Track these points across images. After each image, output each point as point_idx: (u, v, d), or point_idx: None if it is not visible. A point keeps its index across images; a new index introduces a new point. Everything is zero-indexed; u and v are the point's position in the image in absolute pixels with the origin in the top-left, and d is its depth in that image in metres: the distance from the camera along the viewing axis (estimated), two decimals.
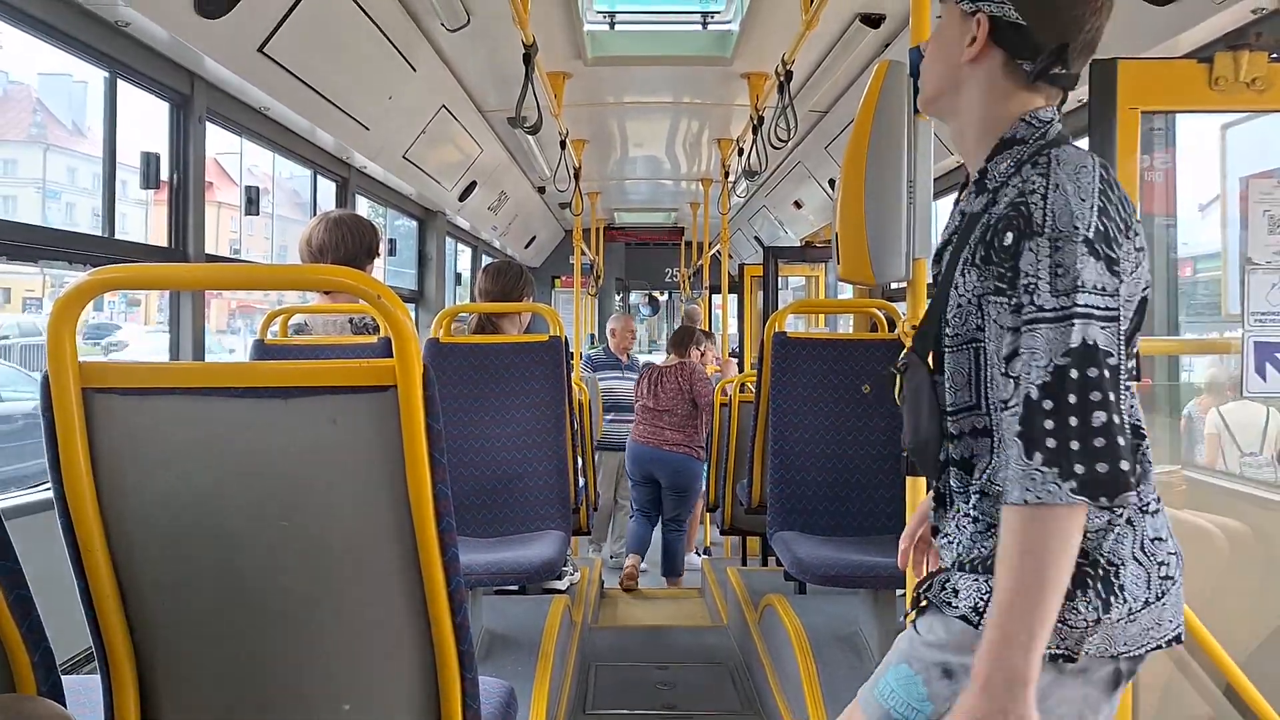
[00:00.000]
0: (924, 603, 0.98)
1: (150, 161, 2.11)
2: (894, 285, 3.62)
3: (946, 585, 0.95)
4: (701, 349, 4.66)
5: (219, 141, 2.43)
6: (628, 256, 8.38)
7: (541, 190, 5.71)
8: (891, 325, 2.70)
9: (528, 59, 2.49)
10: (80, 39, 1.79)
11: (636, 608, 3.75)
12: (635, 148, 5.10)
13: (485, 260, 5.56)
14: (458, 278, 5.62)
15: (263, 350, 2.11)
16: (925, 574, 1.09)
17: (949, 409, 0.99)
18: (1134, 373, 0.94)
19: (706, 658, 2.87)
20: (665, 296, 8.88)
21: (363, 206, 3.60)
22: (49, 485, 0.91)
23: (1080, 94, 2.29)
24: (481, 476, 2.41)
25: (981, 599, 0.91)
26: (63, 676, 0.92)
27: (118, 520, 0.92)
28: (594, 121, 4.35)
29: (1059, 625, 0.87)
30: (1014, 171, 0.93)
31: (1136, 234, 0.90)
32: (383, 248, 2.33)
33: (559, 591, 2.97)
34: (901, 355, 1.06)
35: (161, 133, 2.20)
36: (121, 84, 1.99)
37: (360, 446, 0.91)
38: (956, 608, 0.93)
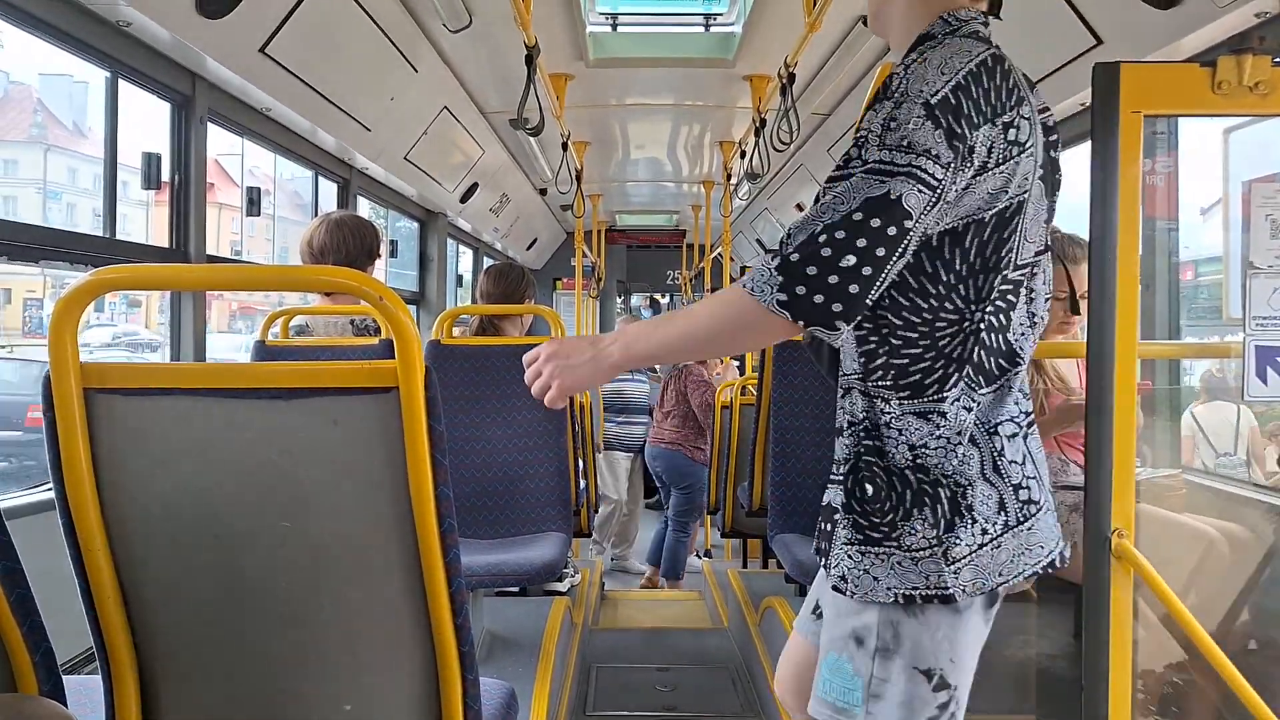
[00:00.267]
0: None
1: (151, 162, 2.11)
2: None
3: (830, 557, 0.99)
4: None
5: (220, 142, 2.43)
6: (629, 259, 8.38)
7: (543, 192, 5.71)
8: None
9: (530, 60, 2.50)
10: (81, 39, 1.79)
11: (637, 610, 3.74)
12: (637, 150, 5.10)
13: (487, 262, 5.56)
14: (459, 279, 5.61)
15: (264, 351, 2.11)
16: None
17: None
18: (1019, 283, 0.93)
19: (707, 660, 2.86)
20: (667, 299, 8.89)
21: (364, 208, 3.60)
22: (50, 485, 0.91)
23: (1083, 97, 2.30)
24: (483, 478, 2.41)
25: (849, 569, 0.95)
26: (64, 676, 0.92)
27: (119, 520, 0.92)
28: (596, 123, 4.35)
29: (910, 561, 0.91)
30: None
31: (1015, 129, 0.88)
32: (384, 249, 2.33)
33: (560, 593, 2.97)
34: None
35: (163, 133, 2.20)
36: (123, 84, 1.99)
37: (362, 448, 0.91)
38: (861, 592, 0.95)
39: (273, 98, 2.36)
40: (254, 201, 2.81)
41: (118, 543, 0.92)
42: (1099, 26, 2.02)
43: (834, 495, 1.01)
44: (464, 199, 4.48)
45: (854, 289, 0.83)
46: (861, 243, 0.83)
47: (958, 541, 0.91)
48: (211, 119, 2.26)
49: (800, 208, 5.29)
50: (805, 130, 3.69)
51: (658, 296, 8.86)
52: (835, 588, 0.96)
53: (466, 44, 2.99)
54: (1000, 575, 0.92)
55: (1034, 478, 0.96)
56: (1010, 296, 0.94)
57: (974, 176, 0.87)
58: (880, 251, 0.83)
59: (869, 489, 0.95)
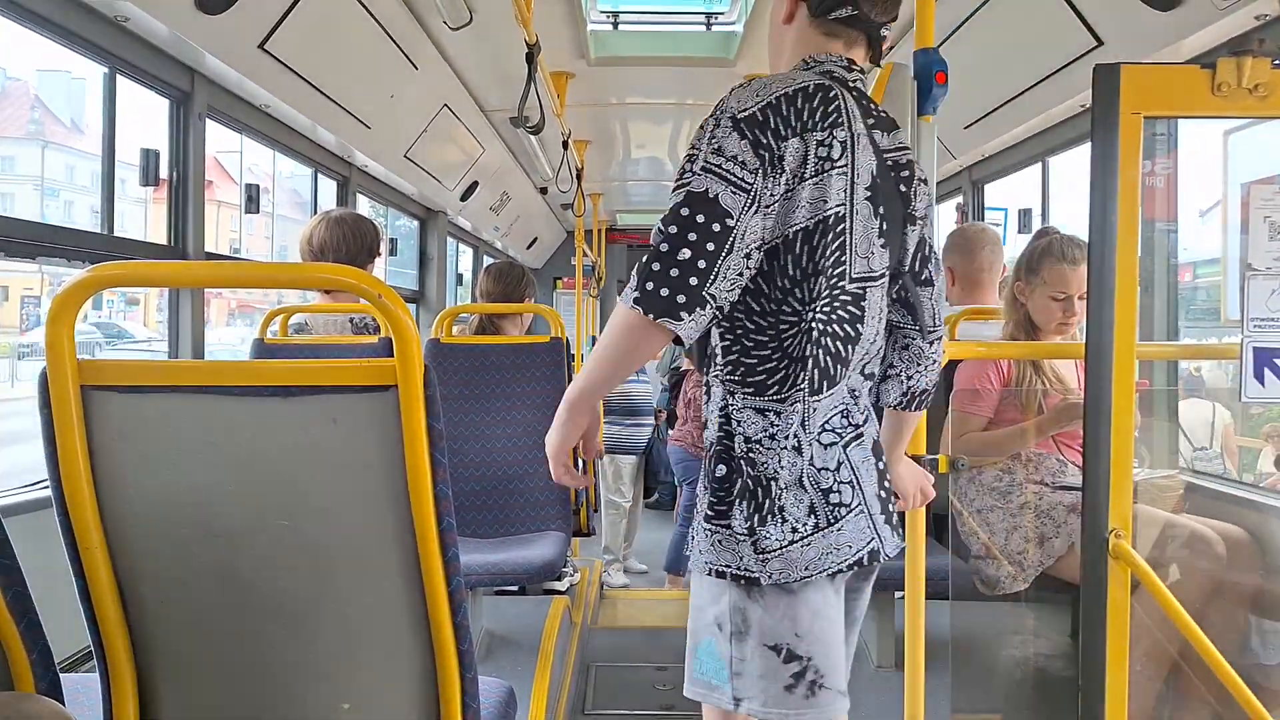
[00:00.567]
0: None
1: (150, 159, 2.10)
2: None
3: (693, 540, 1.09)
4: None
5: (219, 139, 2.42)
6: (630, 258, 8.37)
7: (544, 191, 5.71)
8: None
9: (530, 58, 2.49)
10: (79, 34, 1.79)
11: (636, 609, 3.74)
12: (638, 149, 5.10)
13: (486, 261, 5.55)
14: (459, 278, 5.61)
15: (263, 349, 2.11)
16: None
17: None
18: (857, 296, 1.04)
19: None
20: None
21: (363, 206, 3.60)
22: (47, 482, 0.91)
23: (1083, 98, 2.30)
24: (482, 477, 2.40)
25: (709, 547, 1.05)
26: (61, 675, 0.91)
27: (116, 518, 0.92)
28: (597, 122, 4.34)
29: (720, 544, 1.04)
30: None
31: (827, 146, 0.99)
32: (383, 247, 2.33)
33: (559, 592, 2.97)
34: None
35: (161, 130, 2.20)
36: (121, 80, 1.98)
37: (360, 446, 0.91)
38: (696, 560, 1.07)
39: (272, 94, 2.36)
40: (253, 199, 2.80)
41: (115, 540, 0.92)
42: (1099, 28, 2.02)
43: (702, 475, 1.11)
44: (464, 197, 4.47)
45: (692, 281, 0.94)
46: (692, 237, 0.94)
47: (768, 536, 1.02)
48: (210, 115, 2.26)
49: None
50: None
51: None
52: (698, 567, 1.08)
53: (467, 41, 2.99)
54: (806, 570, 1.03)
55: (848, 483, 1.06)
56: (851, 309, 1.05)
57: (790, 184, 0.98)
58: (710, 246, 0.94)
59: (721, 469, 1.06)
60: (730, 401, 1.06)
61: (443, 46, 3.06)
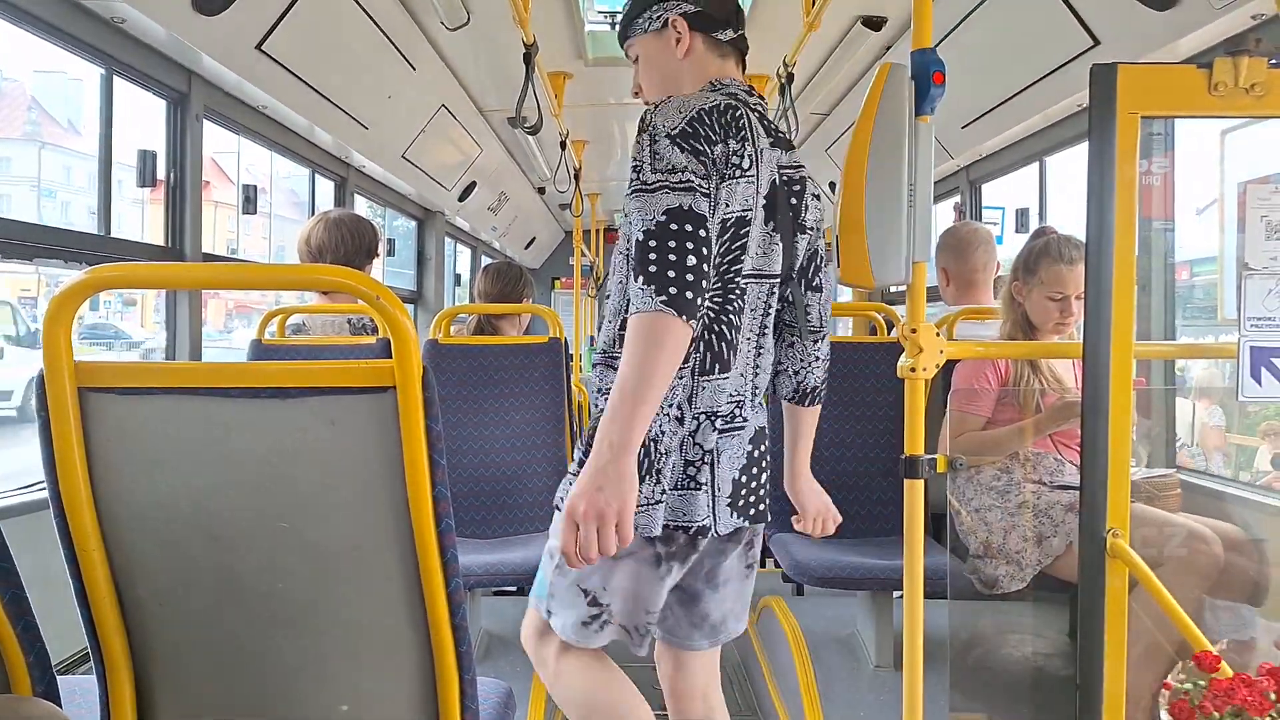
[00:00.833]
0: None
1: (147, 160, 2.10)
2: (893, 288, 3.63)
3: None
4: None
5: (216, 140, 2.42)
6: None
7: (541, 191, 5.71)
8: (890, 328, 2.70)
9: (528, 59, 2.49)
10: (76, 35, 1.78)
11: None
12: None
13: (485, 261, 5.55)
14: (457, 278, 5.60)
15: (260, 350, 2.10)
16: None
17: None
18: (743, 292, 1.16)
19: None
20: None
21: (361, 206, 3.59)
22: (44, 484, 0.90)
23: (1080, 98, 2.31)
24: (481, 478, 2.40)
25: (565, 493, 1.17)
26: (58, 677, 0.91)
27: (113, 520, 0.91)
28: (595, 122, 4.34)
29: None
30: None
31: (738, 155, 1.11)
32: (382, 248, 2.33)
33: None
34: None
35: (158, 131, 2.19)
36: (118, 81, 1.98)
37: (358, 447, 0.91)
38: (561, 499, 1.20)
39: (269, 95, 2.36)
40: (250, 199, 2.80)
41: (112, 543, 0.92)
42: (1096, 28, 2.02)
43: (585, 432, 1.22)
44: (462, 198, 4.47)
45: (702, 282, 1.05)
46: (690, 245, 1.05)
47: (644, 495, 1.13)
48: (207, 116, 2.26)
49: None
50: (803, 130, 3.70)
51: None
52: (556, 506, 1.21)
53: (464, 42, 2.99)
54: (652, 530, 1.14)
55: (707, 465, 1.18)
56: (738, 302, 1.17)
57: (720, 184, 1.11)
58: (704, 250, 1.06)
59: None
60: None
61: (440, 47, 3.06)
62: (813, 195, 1.26)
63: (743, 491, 1.22)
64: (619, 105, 4.13)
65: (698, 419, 1.16)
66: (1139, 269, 1.24)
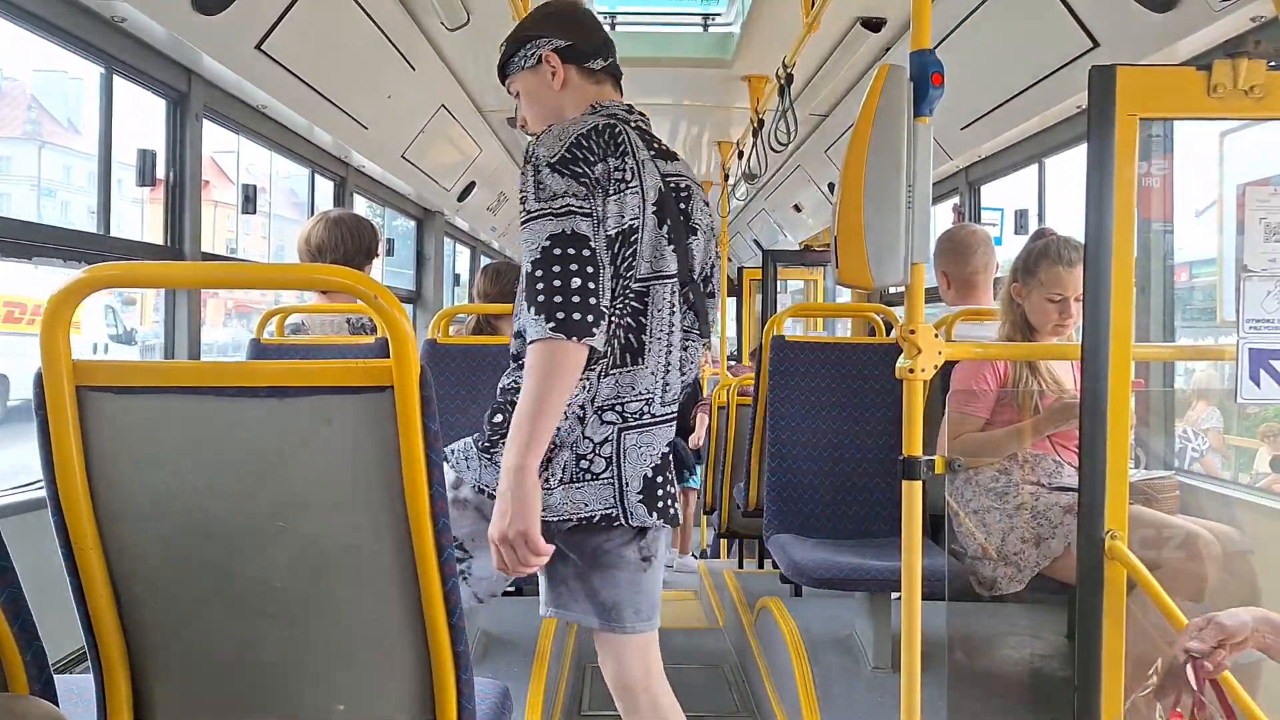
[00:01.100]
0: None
1: (146, 159, 2.10)
2: (892, 289, 3.63)
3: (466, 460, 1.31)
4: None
5: (216, 140, 2.42)
6: None
7: None
8: (889, 329, 2.70)
9: None
10: (76, 34, 1.78)
11: None
12: None
13: (484, 261, 5.55)
14: (456, 279, 5.60)
15: (259, 350, 2.10)
16: None
17: None
18: (641, 294, 1.24)
19: (702, 659, 2.86)
20: None
21: (360, 206, 3.59)
22: (41, 483, 0.90)
23: (1079, 99, 2.31)
24: None
25: (481, 467, 1.29)
26: (55, 675, 0.91)
27: (111, 519, 0.91)
28: None
29: (485, 467, 1.25)
30: None
31: (621, 170, 1.19)
32: (381, 248, 2.33)
33: None
34: None
35: (158, 130, 2.19)
36: (117, 80, 1.98)
37: (356, 447, 0.91)
38: (468, 473, 1.31)
39: (269, 95, 2.36)
40: (250, 199, 2.80)
41: (110, 541, 0.92)
42: (1095, 29, 2.02)
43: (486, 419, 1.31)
44: (461, 197, 4.47)
45: (592, 301, 1.13)
46: (574, 268, 1.13)
47: (544, 488, 1.20)
48: (207, 116, 2.26)
49: (798, 209, 5.30)
50: (803, 131, 3.70)
51: None
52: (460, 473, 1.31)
53: (464, 42, 2.99)
54: (550, 514, 1.21)
55: (606, 457, 1.24)
56: (635, 304, 1.24)
57: (605, 200, 1.19)
58: (590, 269, 1.14)
59: (499, 417, 1.27)
60: None
61: (440, 47, 3.06)
62: (702, 201, 1.34)
63: (658, 491, 1.27)
64: None
65: (598, 414, 1.24)
66: (1138, 271, 1.24)
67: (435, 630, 0.95)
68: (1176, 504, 1.78)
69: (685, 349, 1.35)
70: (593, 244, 1.15)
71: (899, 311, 1.95)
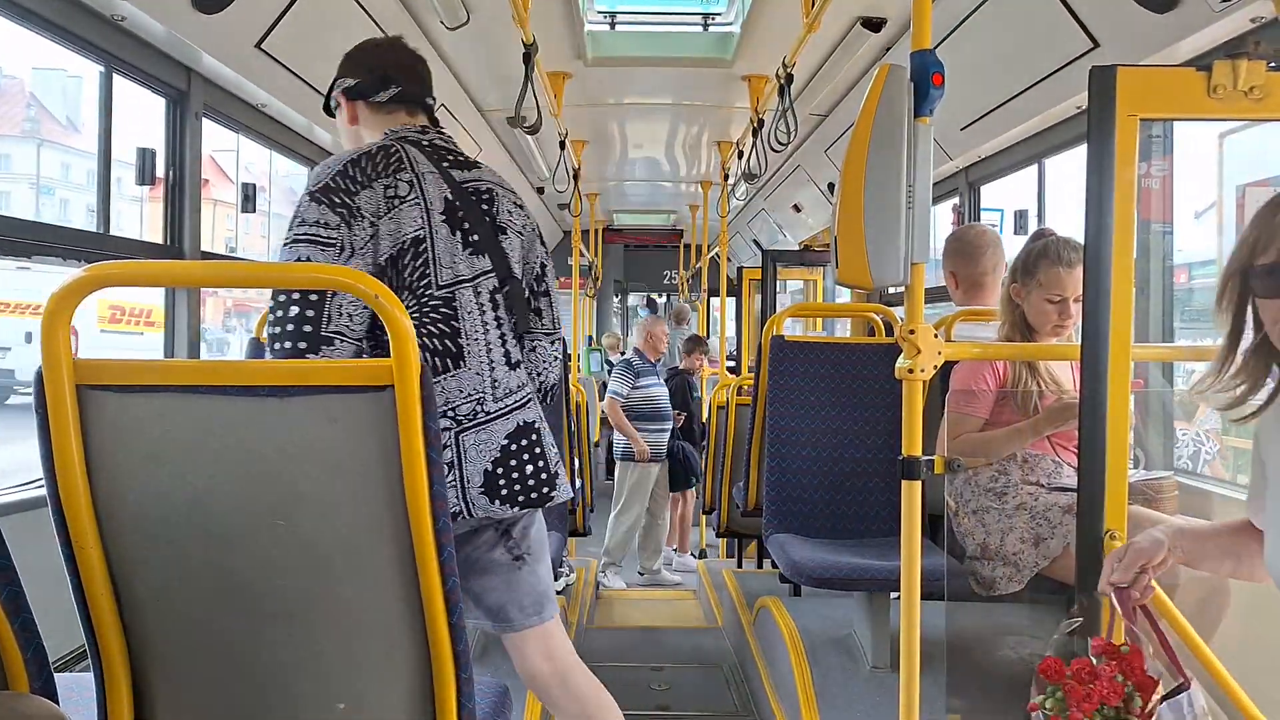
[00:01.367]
0: None
1: (146, 158, 2.10)
2: (891, 289, 3.64)
3: None
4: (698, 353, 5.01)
5: (216, 139, 2.42)
6: (626, 258, 8.37)
7: (540, 190, 5.71)
8: (889, 329, 2.70)
9: (527, 58, 2.49)
10: (75, 33, 1.78)
11: (631, 609, 3.74)
12: (635, 149, 5.10)
13: None
14: None
15: (259, 349, 2.10)
16: None
17: None
18: (448, 299, 1.28)
19: (701, 659, 2.86)
20: (664, 298, 8.89)
21: None
22: (42, 481, 0.90)
23: (1079, 100, 2.30)
24: None
25: None
26: (55, 674, 0.91)
27: (111, 518, 0.91)
28: (594, 122, 4.34)
29: None
30: None
31: (394, 189, 1.26)
32: None
33: (555, 592, 2.96)
34: None
35: (158, 129, 2.19)
36: (117, 79, 1.98)
37: (357, 446, 0.91)
38: None
39: (269, 93, 2.35)
40: (249, 198, 2.79)
41: (110, 540, 0.92)
42: (1095, 30, 2.02)
43: None
44: None
45: (307, 329, 1.18)
46: (296, 295, 1.19)
47: None
48: (207, 115, 2.25)
49: (797, 209, 5.29)
50: (803, 131, 3.70)
51: (654, 296, 8.86)
52: None
53: (464, 42, 2.99)
54: None
55: (449, 462, 1.27)
56: (444, 309, 1.29)
57: (373, 224, 1.24)
58: (313, 298, 1.18)
59: None
60: None
61: (440, 46, 3.06)
62: (513, 203, 1.40)
63: (500, 481, 1.30)
64: (618, 105, 4.13)
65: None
66: (1137, 271, 1.24)
67: (435, 629, 0.95)
68: (1175, 504, 1.78)
69: (534, 349, 1.42)
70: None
71: (899, 312, 1.95)
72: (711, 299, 7.28)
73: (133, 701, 0.97)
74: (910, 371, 1.29)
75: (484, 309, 1.32)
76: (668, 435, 4.44)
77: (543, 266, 1.45)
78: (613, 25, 3.28)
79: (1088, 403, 1.18)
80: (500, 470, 1.31)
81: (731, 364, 6.09)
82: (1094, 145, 1.16)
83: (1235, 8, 1.60)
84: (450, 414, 1.28)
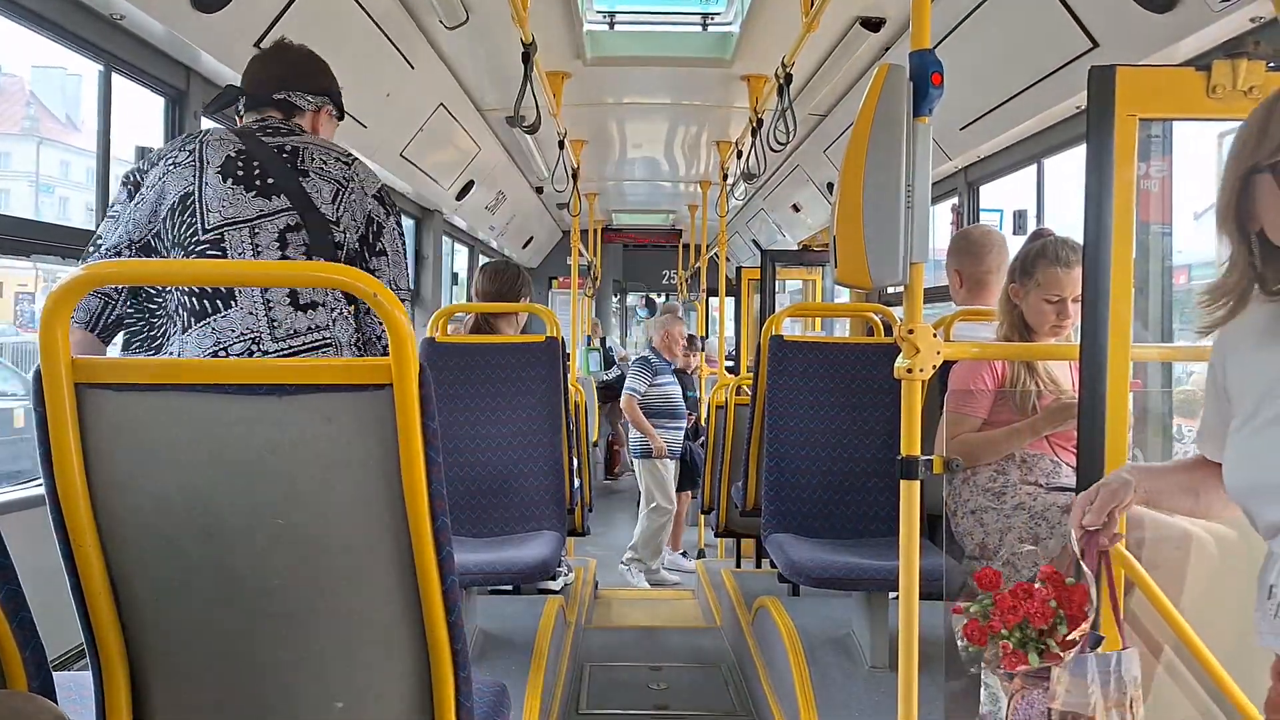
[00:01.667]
0: None
1: (145, 156, 2.09)
2: (890, 289, 3.64)
3: None
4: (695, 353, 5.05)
5: None
6: (625, 258, 8.37)
7: (539, 190, 5.71)
8: (888, 329, 2.71)
9: (527, 58, 2.49)
10: (75, 32, 1.78)
11: (630, 609, 3.74)
12: (634, 149, 5.10)
13: (482, 260, 5.54)
14: (454, 277, 5.60)
15: None
16: None
17: None
18: (216, 240, 1.34)
19: (700, 659, 2.87)
20: (663, 298, 8.89)
21: None
22: (40, 480, 0.90)
23: (1078, 100, 2.31)
24: (477, 476, 2.40)
25: None
26: (54, 673, 0.91)
27: (110, 516, 0.91)
28: (593, 122, 4.34)
29: None
30: None
31: (173, 157, 1.39)
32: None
33: (553, 592, 2.96)
34: None
35: (157, 128, 2.19)
36: (116, 78, 1.98)
37: (356, 445, 0.91)
38: None
39: None
40: None
41: (109, 539, 0.92)
42: (1095, 30, 2.02)
43: None
44: (460, 196, 4.46)
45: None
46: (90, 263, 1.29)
47: None
48: (206, 114, 2.25)
49: (796, 208, 5.30)
50: (802, 131, 3.70)
51: (653, 296, 8.87)
52: None
53: (463, 41, 2.98)
54: None
55: None
56: (211, 253, 1.34)
57: (152, 197, 1.37)
58: (90, 255, 1.37)
59: None
60: None
61: (439, 46, 3.06)
62: (328, 156, 1.47)
63: None
64: (617, 105, 4.13)
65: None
66: (1136, 272, 1.25)
67: (434, 628, 0.95)
68: None
69: (368, 313, 1.40)
70: (103, 246, 1.36)
71: (898, 311, 1.95)
72: (710, 299, 7.28)
73: (131, 700, 0.97)
74: (909, 371, 1.29)
75: (261, 249, 1.34)
76: (682, 434, 4.48)
77: (379, 225, 1.45)
78: (612, 25, 3.28)
79: (1087, 403, 1.18)
80: None
81: (730, 364, 6.09)
82: (1093, 145, 1.16)
83: (1234, 8, 1.60)
84: (224, 353, 1.30)
